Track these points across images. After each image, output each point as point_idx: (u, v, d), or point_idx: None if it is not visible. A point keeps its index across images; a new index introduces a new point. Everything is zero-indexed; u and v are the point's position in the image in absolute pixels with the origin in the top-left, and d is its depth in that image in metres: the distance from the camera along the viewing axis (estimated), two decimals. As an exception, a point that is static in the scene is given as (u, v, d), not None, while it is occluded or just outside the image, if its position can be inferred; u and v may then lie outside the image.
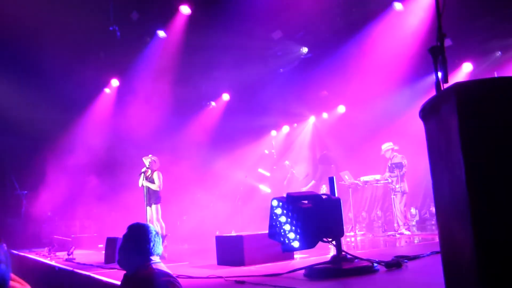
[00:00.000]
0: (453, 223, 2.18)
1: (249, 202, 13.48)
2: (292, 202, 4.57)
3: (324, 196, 4.81)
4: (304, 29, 12.85)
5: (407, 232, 10.01)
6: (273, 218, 4.86)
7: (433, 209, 13.36)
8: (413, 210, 13.18)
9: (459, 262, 2.18)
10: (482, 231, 1.86)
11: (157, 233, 3.20)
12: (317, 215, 4.62)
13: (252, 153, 15.71)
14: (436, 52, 2.99)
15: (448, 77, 2.97)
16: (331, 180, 5.11)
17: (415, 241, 9.04)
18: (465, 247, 2.01)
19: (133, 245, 3.08)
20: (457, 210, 2.04)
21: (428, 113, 2.24)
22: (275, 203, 4.79)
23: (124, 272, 3.27)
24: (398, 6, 11.19)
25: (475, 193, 1.84)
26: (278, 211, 4.75)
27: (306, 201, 4.63)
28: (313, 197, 4.73)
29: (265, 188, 14.19)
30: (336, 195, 5.03)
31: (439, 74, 3.13)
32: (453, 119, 1.83)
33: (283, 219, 4.80)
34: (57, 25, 11.05)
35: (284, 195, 4.82)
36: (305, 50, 13.86)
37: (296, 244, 4.73)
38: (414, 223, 12.75)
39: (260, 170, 14.11)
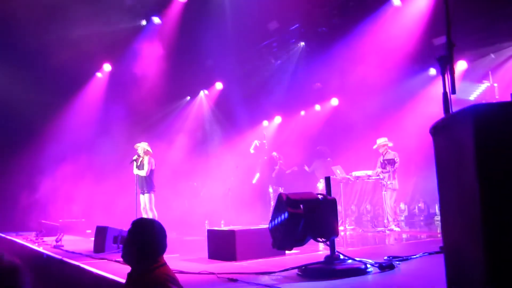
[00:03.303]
0: (460, 236, 2.16)
1: (240, 193, 13.46)
2: (286, 204, 4.57)
3: (320, 196, 4.80)
4: (300, 20, 12.77)
5: (396, 229, 10.07)
6: (274, 212, 4.88)
7: (421, 205, 13.46)
8: (402, 206, 13.27)
9: (465, 276, 2.17)
10: (494, 248, 1.85)
11: (163, 230, 3.10)
12: (307, 220, 4.62)
13: (243, 143, 15.66)
14: (445, 62, 2.95)
15: (455, 88, 2.94)
16: (327, 180, 5.09)
17: (403, 237, 9.15)
18: (473, 262, 2.00)
19: (137, 243, 2.99)
20: (466, 225, 2.03)
21: (440, 130, 2.21)
22: (279, 198, 4.78)
23: (126, 270, 3.18)
24: (396, 1, 11.14)
25: (489, 212, 1.82)
26: (277, 207, 4.75)
27: (300, 205, 4.61)
28: (309, 201, 4.71)
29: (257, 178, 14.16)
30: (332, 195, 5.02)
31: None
32: (468, 141, 1.81)
33: (277, 216, 4.82)
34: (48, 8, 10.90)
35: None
36: (301, 44, 13.83)
37: (276, 243, 4.81)
38: (402, 218, 12.85)
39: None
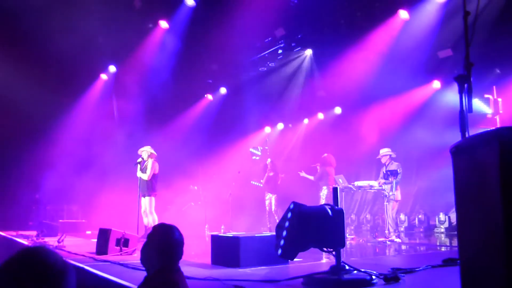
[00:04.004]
0: (480, 257, 2.19)
1: (240, 198, 13.47)
2: (296, 216, 4.59)
3: (328, 208, 4.83)
4: (307, 28, 12.83)
5: (397, 240, 10.09)
6: (283, 219, 4.91)
7: (421, 217, 13.50)
8: (402, 216, 13.31)
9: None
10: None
11: (182, 237, 3.17)
12: (315, 232, 4.65)
13: (246, 149, 15.71)
14: (463, 81, 2.99)
15: (472, 107, 2.97)
16: (335, 190, 5.12)
17: (403, 248, 9.16)
18: (493, 283, 2.02)
19: (156, 247, 3.06)
20: (487, 246, 2.05)
21: (461, 150, 2.24)
22: (291, 206, 4.80)
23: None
24: (403, 14, 11.19)
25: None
26: (288, 215, 4.77)
27: (310, 218, 4.64)
28: (319, 215, 4.73)
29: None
30: (339, 206, 5.05)
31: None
32: (493, 164, 1.84)
33: (285, 224, 4.85)
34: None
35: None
36: (309, 52, 13.90)
37: (279, 251, 4.83)
38: (402, 229, 12.89)
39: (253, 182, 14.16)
